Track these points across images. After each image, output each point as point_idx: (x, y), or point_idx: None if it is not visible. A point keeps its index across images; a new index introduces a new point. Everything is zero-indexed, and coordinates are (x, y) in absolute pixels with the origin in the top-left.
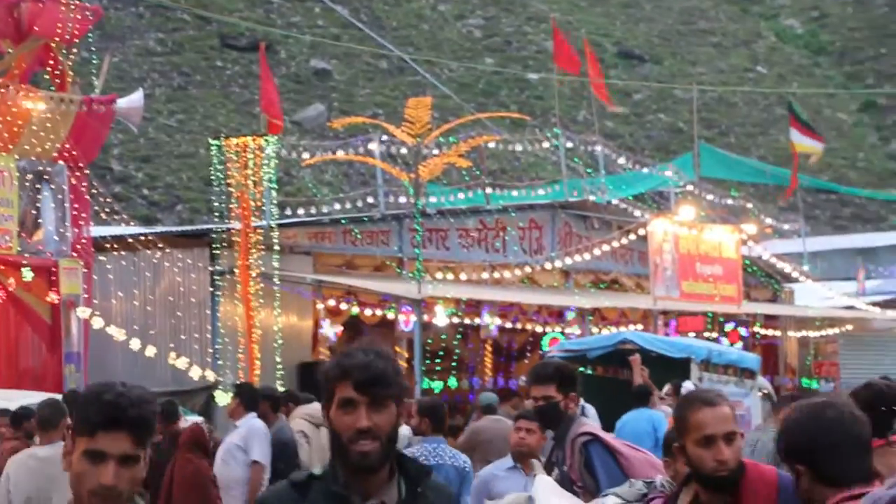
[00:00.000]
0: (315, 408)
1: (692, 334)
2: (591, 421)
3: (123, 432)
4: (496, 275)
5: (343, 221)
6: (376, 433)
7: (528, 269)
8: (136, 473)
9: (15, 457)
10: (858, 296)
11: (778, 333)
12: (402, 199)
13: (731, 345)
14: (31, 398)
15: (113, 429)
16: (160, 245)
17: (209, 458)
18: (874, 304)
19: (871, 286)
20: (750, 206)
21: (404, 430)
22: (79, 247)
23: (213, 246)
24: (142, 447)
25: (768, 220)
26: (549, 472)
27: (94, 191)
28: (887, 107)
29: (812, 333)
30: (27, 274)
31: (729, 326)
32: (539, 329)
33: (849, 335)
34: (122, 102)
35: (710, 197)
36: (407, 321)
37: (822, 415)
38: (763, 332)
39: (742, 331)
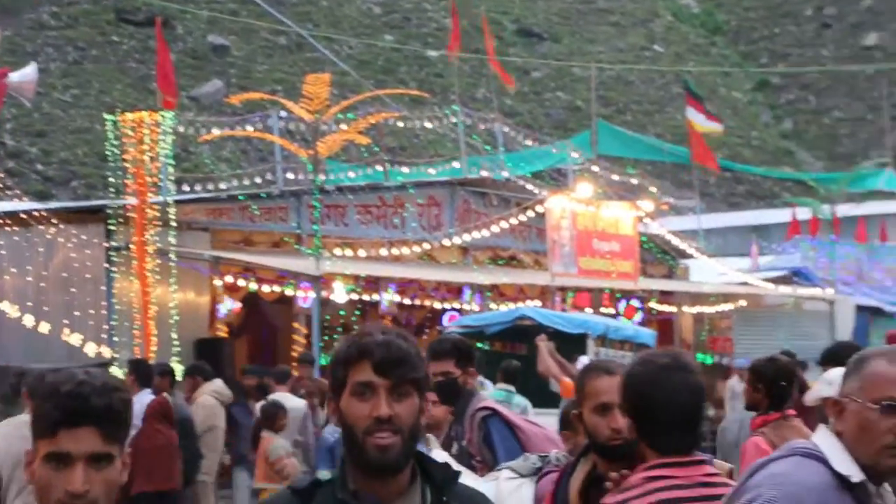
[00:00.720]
0: (221, 384)
1: (588, 310)
2: (488, 396)
3: (90, 427)
4: (395, 251)
5: (241, 198)
6: (398, 424)
7: (426, 246)
8: (110, 475)
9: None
10: (752, 272)
11: (673, 309)
12: (301, 176)
13: (628, 320)
14: None
15: (77, 424)
16: (54, 221)
17: (175, 430)
18: (767, 280)
19: (765, 262)
20: (646, 183)
21: (298, 403)
22: None
23: (109, 222)
24: (115, 443)
25: (665, 198)
26: (448, 448)
27: None
28: (781, 86)
29: (707, 309)
30: None
31: (625, 304)
32: (438, 305)
33: (742, 311)
34: (15, 76)
35: (607, 174)
36: (305, 298)
37: (657, 380)
38: (659, 307)
39: (638, 306)
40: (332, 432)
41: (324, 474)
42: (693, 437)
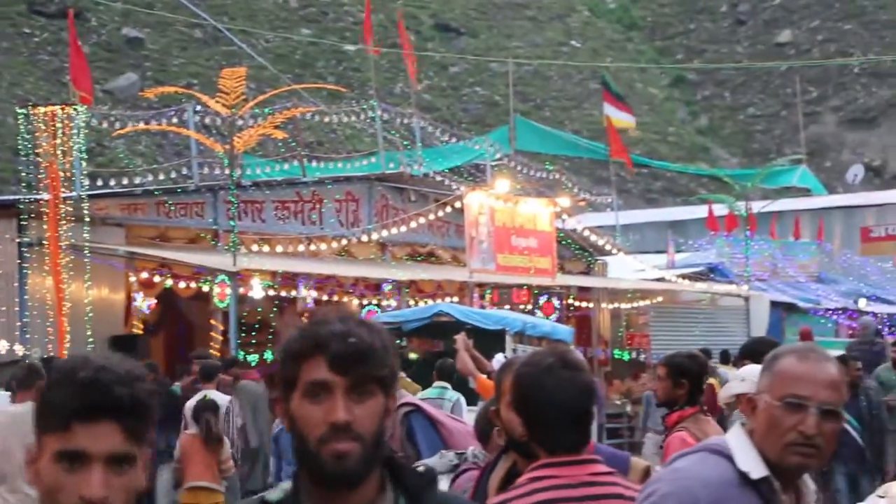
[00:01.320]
0: None
1: (507, 306)
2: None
3: (111, 422)
4: (312, 247)
5: (156, 193)
6: (358, 430)
7: (344, 242)
8: (132, 480)
9: None
10: (668, 268)
11: (591, 305)
12: (217, 171)
13: (546, 317)
14: None
15: (95, 418)
16: None
17: None
18: (683, 276)
19: (681, 259)
20: (564, 179)
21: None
22: None
23: (21, 217)
24: (138, 442)
25: (583, 194)
26: None
27: None
28: (697, 82)
29: (624, 305)
30: None
31: (543, 300)
32: (356, 301)
33: (659, 307)
34: None
35: (525, 170)
36: (222, 294)
37: (544, 379)
38: (577, 304)
39: (556, 303)
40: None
41: (274, 493)
42: (581, 435)
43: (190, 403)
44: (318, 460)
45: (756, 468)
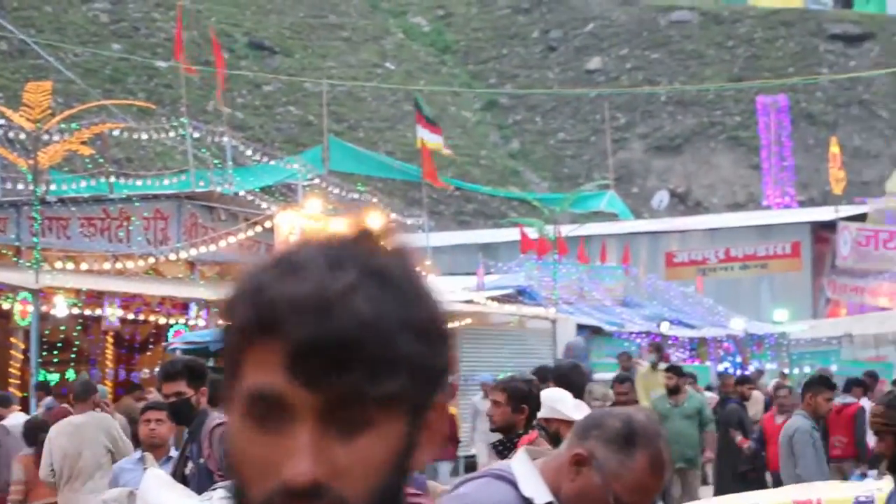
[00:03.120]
0: None
1: None
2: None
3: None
4: (119, 265)
5: None
6: (338, 493)
7: (152, 260)
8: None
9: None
10: (478, 290)
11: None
12: (21, 186)
13: None
14: None
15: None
16: None
17: None
18: (492, 298)
19: (490, 281)
20: (376, 200)
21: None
22: None
23: None
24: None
25: (394, 215)
26: (184, 467)
27: None
28: (509, 106)
29: None
30: None
31: None
32: (163, 321)
33: (468, 328)
34: None
35: (337, 190)
36: (24, 312)
37: None
38: None
39: None
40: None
41: None
42: None
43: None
44: None
45: (540, 494)
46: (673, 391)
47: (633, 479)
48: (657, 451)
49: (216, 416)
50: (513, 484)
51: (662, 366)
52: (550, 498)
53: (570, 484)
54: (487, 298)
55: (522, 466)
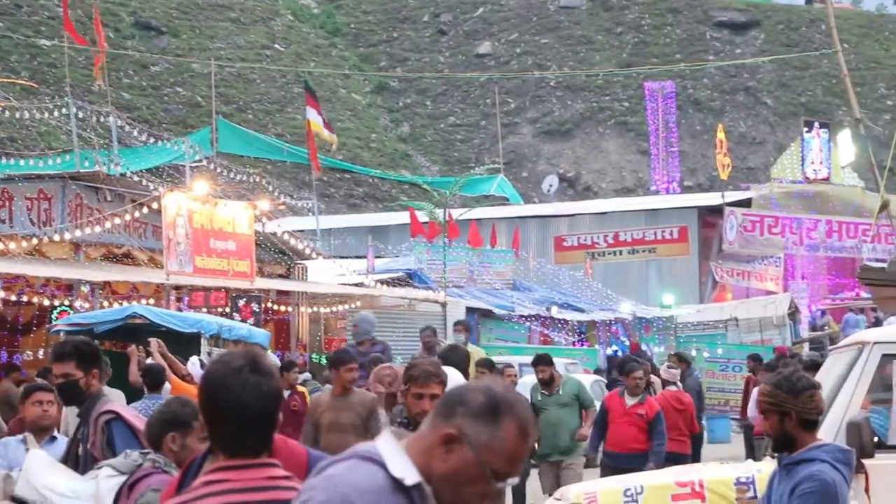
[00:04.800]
0: None
1: (204, 309)
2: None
3: None
4: (1, 246)
5: None
6: None
7: (35, 241)
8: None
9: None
10: (368, 273)
11: (290, 309)
12: None
13: (244, 320)
14: None
15: None
16: None
17: None
18: (382, 281)
19: (381, 264)
20: (265, 182)
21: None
22: None
23: None
24: None
25: (283, 198)
26: (76, 450)
27: None
28: (399, 90)
29: (323, 309)
30: None
31: (242, 303)
32: (47, 302)
33: (357, 311)
34: None
35: (225, 172)
36: None
37: (228, 381)
38: (276, 307)
39: (255, 306)
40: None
41: None
42: (261, 439)
43: None
44: None
45: (410, 474)
46: (547, 382)
47: (506, 448)
48: (522, 417)
49: (106, 402)
50: (381, 465)
51: (472, 347)
52: (419, 478)
53: (442, 464)
54: (377, 282)
55: (389, 447)
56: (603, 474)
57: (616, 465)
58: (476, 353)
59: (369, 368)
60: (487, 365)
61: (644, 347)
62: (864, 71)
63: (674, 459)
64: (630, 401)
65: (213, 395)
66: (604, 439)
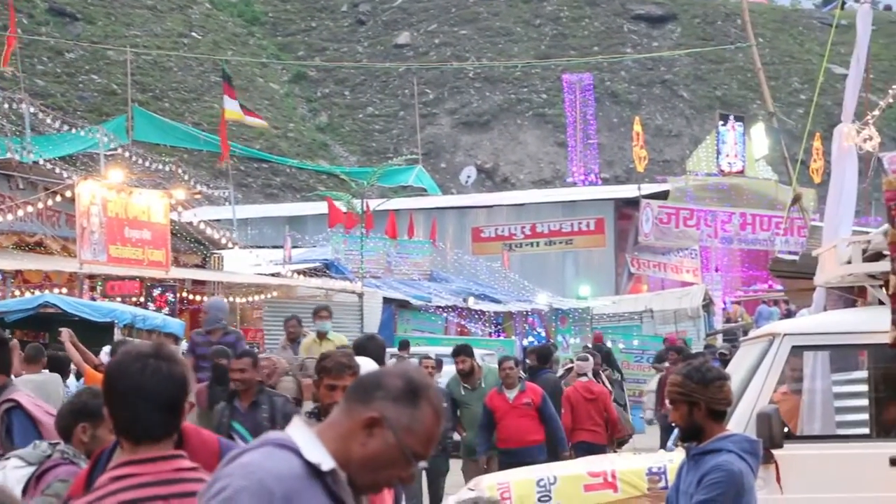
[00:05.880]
0: None
1: (118, 298)
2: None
3: None
4: None
5: None
6: None
7: None
8: None
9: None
10: (285, 263)
11: (206, 299)
12: None
13: (159, 310)
14: None
15: None
16: None
17: None
18: (299, 271)
19: (298, 254)
20: (181, 171)
21: None
22: None
23: None
24: None
25: (199, 187)
26: None
27: None
28: (318, 79)
29: (239, 299)
30: None
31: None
32: None
33: (274, 301)
34: None
35: (141, 161)
36: None
37: (132, 369)
38: (191, 297)
39: (170, 296)
40: None
41: None
42: (163, 425)
43: None
44: None
45: (325, 460)
46: (467, 374)
47: (424, 431)
48: (437, 399)
49: (12, 391)
50: (295, 452)
51: (333, 335)
52: (334, 464)
53: (362, 448)
54: (294, 272)
55: (302, 434)
56: None
57: (515, 461)
58: (338, 340)
59: (213, 360)
60: (466, 352)
61: (560, 338)
62: (779, 65)
63: (589, 449)
64: (511, 394)
65: (115, 381)
66: (493, 440)
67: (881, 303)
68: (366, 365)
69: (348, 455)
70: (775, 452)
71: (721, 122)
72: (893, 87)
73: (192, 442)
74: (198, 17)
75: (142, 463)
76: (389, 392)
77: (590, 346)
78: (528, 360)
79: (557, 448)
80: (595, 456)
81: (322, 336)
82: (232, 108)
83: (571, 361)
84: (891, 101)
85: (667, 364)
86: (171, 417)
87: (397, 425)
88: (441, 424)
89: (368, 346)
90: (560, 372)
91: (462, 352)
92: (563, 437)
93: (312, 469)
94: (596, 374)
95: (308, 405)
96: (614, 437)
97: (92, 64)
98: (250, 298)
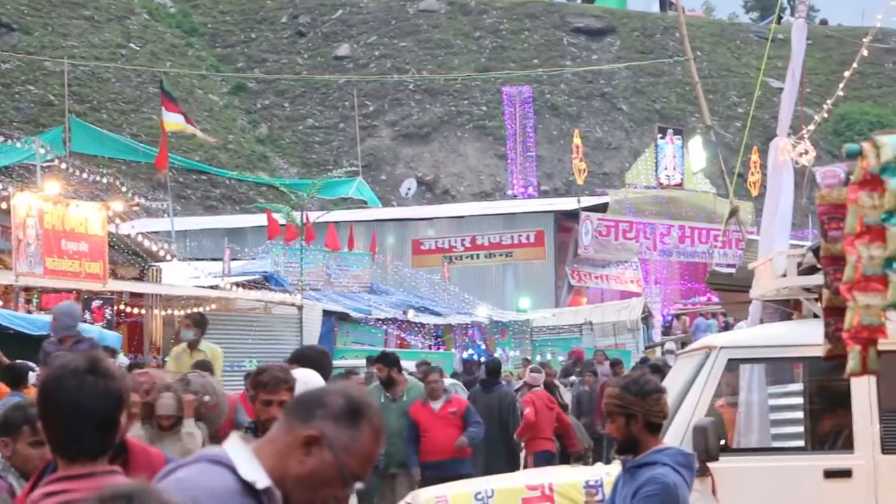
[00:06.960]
0: None
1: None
2: None
3: None
4: None
5: None
6: None
7: None
8: None
9: None
10: (224, 276)
11: (144, 312)
12: None
13: (95, 323)
14: None
15: None
16: None
17: None
18: (238, 284)
19: (237, 267)
20: (119, 183)
21: None
22: None
23: None
24: None
25: (138, 199)
26: None
27: None
28: (257, 91)
29: (178, 312)
30: None
31: (95, 305)
32: None
33: (212, 314)
34: None
35: (78, 172)
36: None
37: (66, 383)
38: (129, 309)
39: (108, 309)
40: None
41: None
42: (99, 442)
43: None
44: None
45: (260, 478)
46: (387, 384)
47: (363, 450)
48: (377, 419)
49: None
50: (230, 468)
51: (206, 345)
52: (269, 482)
53: (299, 466)
54: (233, 284)
55: (238, 451)
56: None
57: (440, 474)
58: (210, 350)
59: None
60: (386, 361)
61: (500, 351)
62: (717, 79)
63: (548, 459)
64: (437, 404)
65: (50, 396)
66: (417, 453)
67: (816, 316)
68: (309, 377)
69: (285, 472)
70: (711, 465)
71: (660, 135)
72: (829, 101)
73: (138, 458)
74: (136, 27)
75: (76, 479)
76: (330, 411)
77: (529, 358)
78: (469, 374)
79: (465, 436)
80: (533, 469)
81: (193, 346)
82: (172, 120)
83: (511, 374)
84: (826, 115)
85: (573, 378)
86: (107, 434)
87: (337, 444)
88: (380, 445)
89: (311, 354)
90: (517, 385)
91: (380, 359)
92: (477, 434)
93: (247, 486)
94: (551, 388)
95: (189, 423)
96: (569, 451)
97: (28, 75)
98: (189, 311)
